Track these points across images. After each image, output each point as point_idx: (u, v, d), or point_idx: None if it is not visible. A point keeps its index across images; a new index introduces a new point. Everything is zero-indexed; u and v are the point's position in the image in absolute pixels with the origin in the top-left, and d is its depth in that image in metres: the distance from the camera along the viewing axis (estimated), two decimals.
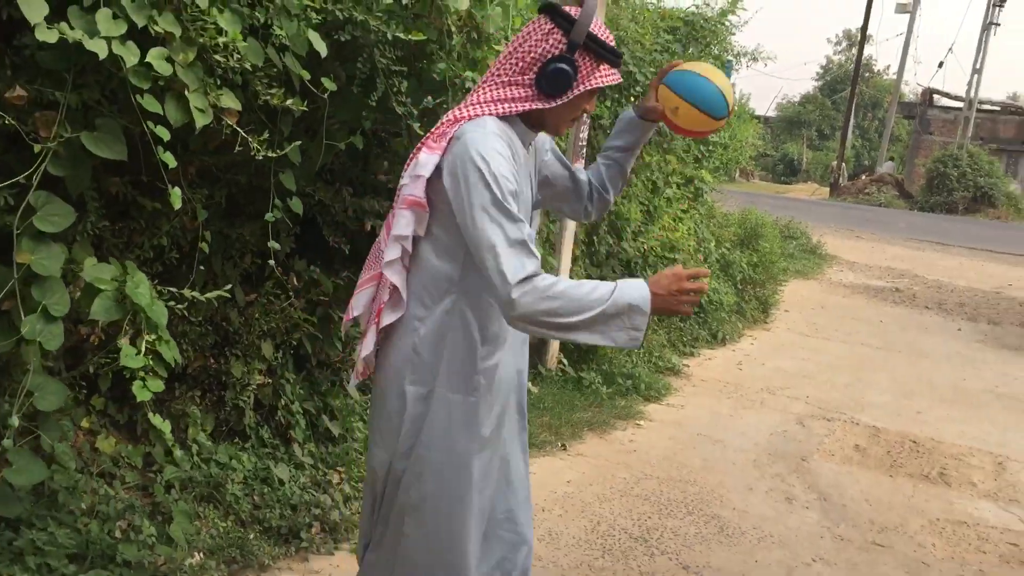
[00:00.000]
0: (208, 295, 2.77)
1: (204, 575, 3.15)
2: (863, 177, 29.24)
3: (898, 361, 8.00)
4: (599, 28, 2.14)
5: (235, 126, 2.66)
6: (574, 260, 6.01)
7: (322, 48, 2.70)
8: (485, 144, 2.03)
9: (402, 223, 2.12)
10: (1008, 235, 20.10)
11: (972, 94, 29.75)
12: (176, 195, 2.59)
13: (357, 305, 2.31)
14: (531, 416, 5.19)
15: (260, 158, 2.66)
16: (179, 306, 2.81)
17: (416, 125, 3.01)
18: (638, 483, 4.62)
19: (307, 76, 2.78)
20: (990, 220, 24.38)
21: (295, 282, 3.89)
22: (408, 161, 2.19)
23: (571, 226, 5.74)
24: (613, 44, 2.16)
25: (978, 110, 29.95)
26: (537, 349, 5.89)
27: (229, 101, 2.61)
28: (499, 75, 2.14)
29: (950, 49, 66.26)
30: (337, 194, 3.57)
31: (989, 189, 25.51)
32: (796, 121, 49.69)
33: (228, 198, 3.51)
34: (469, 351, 2.18)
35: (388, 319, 2.19)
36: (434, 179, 2.10)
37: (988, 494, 5.00)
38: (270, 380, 4.02)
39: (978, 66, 29.81)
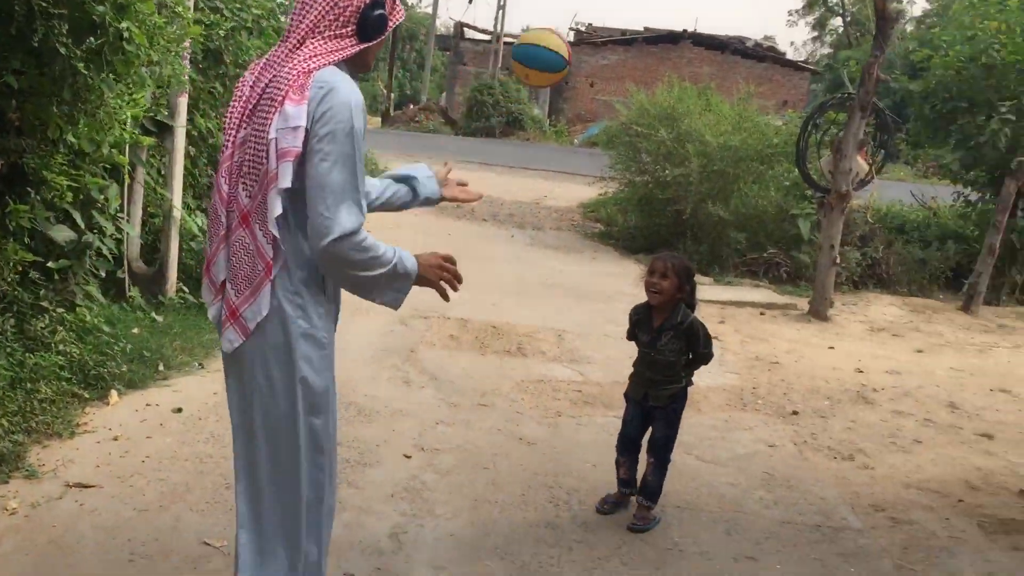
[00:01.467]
0: None
1: None
2: (411, 106, 31.20)
3: (470, 266, 9.18)
4: None
5: None
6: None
7: None
8: (356, 97, 2.29)
9: (287, 176, 2.23)
10: (538, 154, 22.99)
11: (499, 28, 32.92)
12: None
13: (218, 272, 2.44)
14: (163, 342, 5.43)
15: None
16: None
17: (80, 65, 3.17)
18: None
19: None
20: (522, 142, 27.50)
21: None
22: (247, 117, 2.35)
23: (180, 159, 5.94)
24: None
25: (504, 43, 33.23)
26: (155, 280, 6.05)
27: None
28: (322, 31, 2.33)
29: None
30: None
31: (519, 114, 28.72)
32: None
33: None
34: (321, 286, 2.44)
35: (274, 272, 2.34)
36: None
37: (555, 359, 6.28)
38: None
39: (502, 3, 32.99)
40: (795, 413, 5.51)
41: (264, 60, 2.44)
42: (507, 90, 28.82)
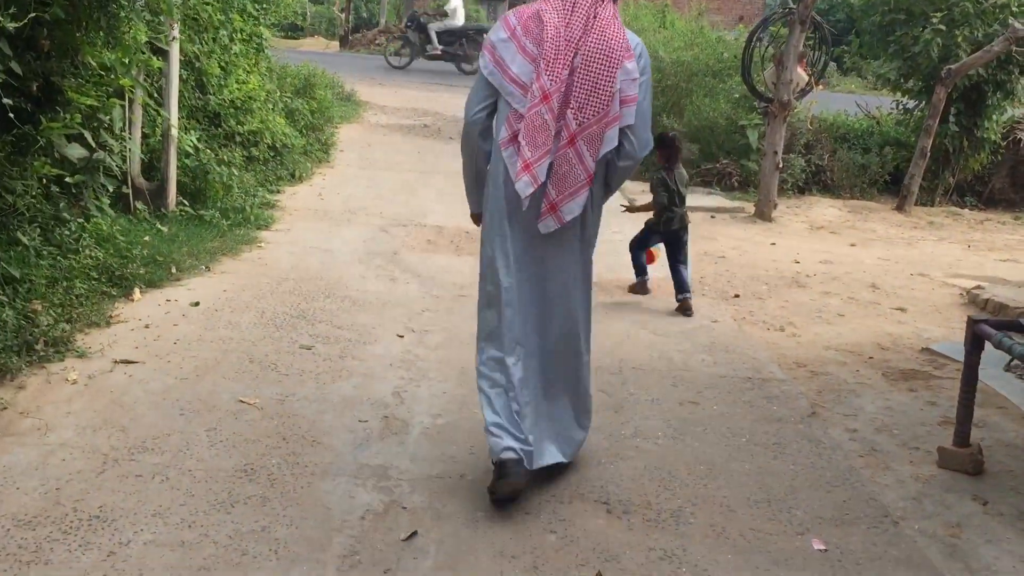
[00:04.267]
0: None
1: None
2: (375, 30, 31.12)
3: (439, 180, 9.83)
4: None
5: None
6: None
7: None
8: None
9: (631, 116, 3.22)
10: None
11: None
12: None
13: (540, 172, 3.19)
14: (172, 248, 6.02)
15: None
16: None
17: None
18: (279, 285, 5.78)
19: None
20: None
21: None
22: (568, 60, 3.16)
23: (175, 81, 6.44)
24: None
25: None
26: (157, 195, 6.60)
27: None
28: None
29: None
30: None
31: (477, 36, 28.92)
32: None
33: None
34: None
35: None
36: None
37: None
38: None
39: None
40: (736, 296, 6.26)
41: (561, 3, 3.24)
42: (467, 10, 28.90)
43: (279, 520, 3.13)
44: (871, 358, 5.12)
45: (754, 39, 9.33)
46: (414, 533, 3.09)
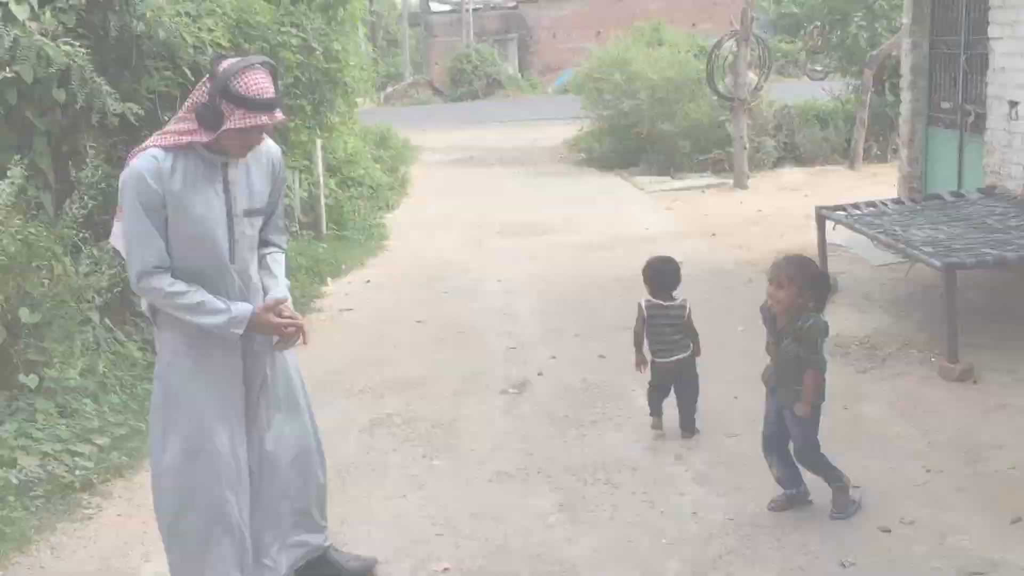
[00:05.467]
0: None
1: None
2: (404, 84, 34.60)
3: (490, 194, 12.88)
4: (240, 81, 2.72)
5: None
6: None
7: None
8: (131, 171, 2.80)
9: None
10: (520, 109, 26.57)
11: None
12: None
13: None
14: (334, 257, 9.12)
15: None
16: None
17: None
18: (410, 268, 8.83)
19: None
20: (503, 99, 31.06)
21: None
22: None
23: (320, 156, 9.61)
24: (256, 94, 2.73)
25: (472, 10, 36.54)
26: (314, 224, 9.75)
27: None
28: (178, 113, 2.92)
29: None
30: None
31: (496, 75, 32.26)
32: None
33: None
34: None
35: None
36: None
37: (565, 232, 9.95)
38: None
39: None
40: (713, 235, 9.23)
41: None
42: (482, 56, 32.34)
43: None
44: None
45: (713, 54, 12.35)
46: None
